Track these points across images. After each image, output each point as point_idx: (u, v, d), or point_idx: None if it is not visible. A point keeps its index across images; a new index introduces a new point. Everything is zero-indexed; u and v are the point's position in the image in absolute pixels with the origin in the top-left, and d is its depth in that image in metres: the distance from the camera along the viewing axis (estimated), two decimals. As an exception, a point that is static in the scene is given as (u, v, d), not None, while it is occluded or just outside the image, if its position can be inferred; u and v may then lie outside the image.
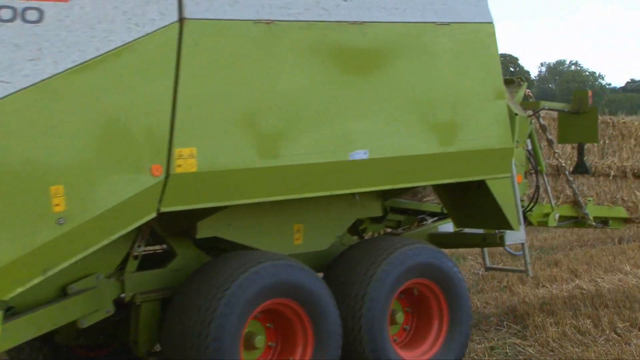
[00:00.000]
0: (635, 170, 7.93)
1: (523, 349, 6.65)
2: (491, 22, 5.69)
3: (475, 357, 6.50)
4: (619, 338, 6.79)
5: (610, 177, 7.81)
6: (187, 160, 4.36)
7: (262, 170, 4.67)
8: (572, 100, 7.10)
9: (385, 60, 5.19)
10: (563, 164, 7.38)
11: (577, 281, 9.11)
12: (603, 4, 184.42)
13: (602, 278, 9.25)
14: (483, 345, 6.77)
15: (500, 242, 6.24)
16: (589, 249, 11.46)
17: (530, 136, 6.82)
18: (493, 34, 5.68)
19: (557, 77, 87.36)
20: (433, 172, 5.48)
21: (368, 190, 5.36)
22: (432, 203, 6.89)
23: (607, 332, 6.97)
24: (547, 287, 8.87)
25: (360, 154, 5.05)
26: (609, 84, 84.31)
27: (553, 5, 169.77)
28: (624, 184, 7.86)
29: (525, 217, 6.85)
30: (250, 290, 4.70)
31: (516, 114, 6.38)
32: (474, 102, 5.58)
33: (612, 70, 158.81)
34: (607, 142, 7.81)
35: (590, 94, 7.00)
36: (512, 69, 77.35)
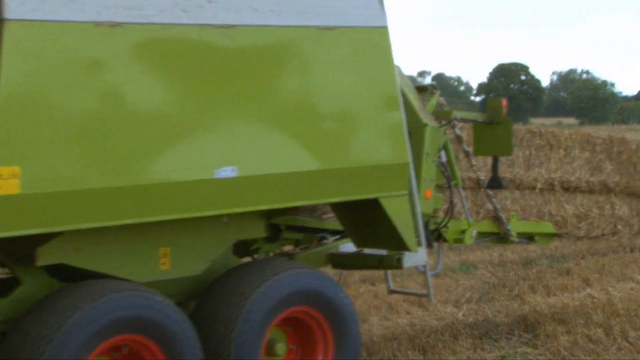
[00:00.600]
0: (565, 183, 7.53)
1: (534, 357, 6.63)
2: (385, 27, 5.23)
3: (486, 365, 6.49)
4: (631, 347, 6.76)
5: (537, 190, 7.38)
6: (7, 181, 3.85)
7: (107, 191, 4.17)
8: (486, 110, 6.65)
9: (258, 68, 4.73)
10: (482, 177, 6.98)
11: (589, 290, 9.05)
12: (614, 12, 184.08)
13: (614, 287, 9.19)
14: (494, 354, 6.76)
15: (398, 264, 5.75)
16: (601, 258, 11.38)
17: (444, 147, 6.40)
18: (387, 39, 5.23)
19: (568, 86, 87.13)
20: (317, 190, 5.00)
21: (238, 211, 4.81)
22: (334, 220, 6.32)
23: (619, 341, 6.94)
24: (558, 296, 8.82)
25: (228, 172, 4.58)
26: (620, 93, 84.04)
27: (563, 14, 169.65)
28: (552, 197, 7.50)
29: (440, 235, 6.59)
30: (90, 328, 4.21)
31: (426, 124, 6.05)
32: (364, 114, 5.14)
33: (624, 78, 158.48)
34: (533, 152, 7.40)
35: (504, 102, 6.58)
36: (523, 77, 77.28)
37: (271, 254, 6.21)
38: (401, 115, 5.31)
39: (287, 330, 5.29)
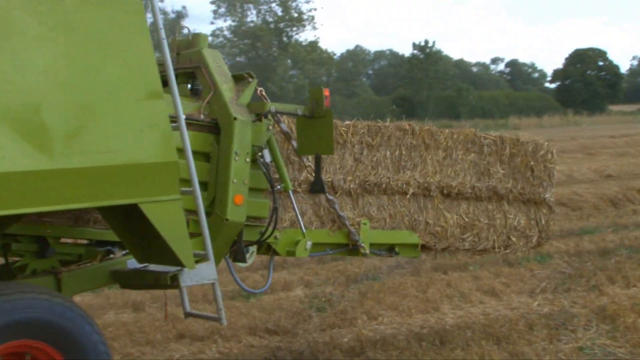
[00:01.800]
0: (444, 189, 6.41)
1: (613, 350, 6.45)
2: None
3: (563, 357, 6.34)
4: None
5: (409, 196, 6.29)
6: None
7: None
8: (308, 101, 5.59)
9: None
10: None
11: (671, 281, 8.78)
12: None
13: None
14: (571, 345, 6.61)
15: (172, 282, 4.79)
16: (683, 248, 11.03)
17: (269, 145, 5.53)
18: (140, 13, 4.36)
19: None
20: (46, 194, 4.01)
21: None
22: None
23: (703, 334, 6.70)
24: (638, 287, 8.58)
25: None
26: None
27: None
28: (430, 204, 6.40)
29: (269, 246, 5.75)
30: None
31: (235, 118, 5.23)
32: (112, 103, 4.24)
33: None
34: (404, 153, 6.27)
35: (327, 92, 5.52)
36: (600, 63, 75.35)
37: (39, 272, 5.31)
38: (163, 105, 4.40)
39: None
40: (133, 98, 4.32)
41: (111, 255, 5.56)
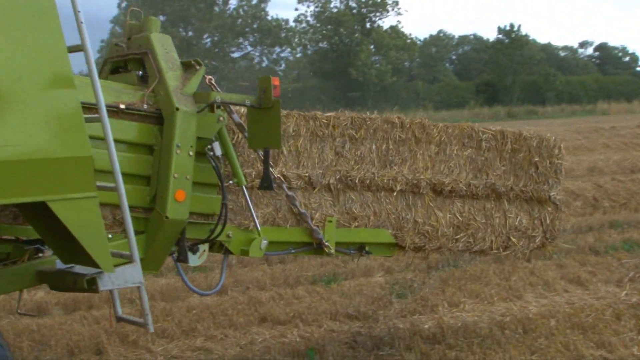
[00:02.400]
0: (436, 186, 6.04)
1: None
2: None
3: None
4: None
5: (396, 193, 5.92)
6: None
7: None
8: (257, 90, 5.17)
9: None
10: (277, 175, 5.56)
11: None
12: None
13: None
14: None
15: (90, 286, 4.42)
16: None
17: (220, 138, 5.18)
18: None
19: None
20: None
21: None
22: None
23: None
24: None
25: None
26: None
27: None
28: (419, 202, 6.02)
29: (222, 245, 5.41)
30: None
31: (177, 108, 4.88)
32: (13, 92, 3.87)
33: None
34: (392, 147, 5.89)
35: (275, 82, 5.10)
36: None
37: None
38: (74, 93, 4.05)
39: None
40: (39, 86, 3.94)
41: (40, 254, 5.13)
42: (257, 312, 7.66)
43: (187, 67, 5.20)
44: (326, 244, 5.74)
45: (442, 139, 6.02)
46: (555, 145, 6.40)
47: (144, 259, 4.76)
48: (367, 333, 6.92)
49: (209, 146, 5.12)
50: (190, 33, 57.92)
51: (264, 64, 60.80)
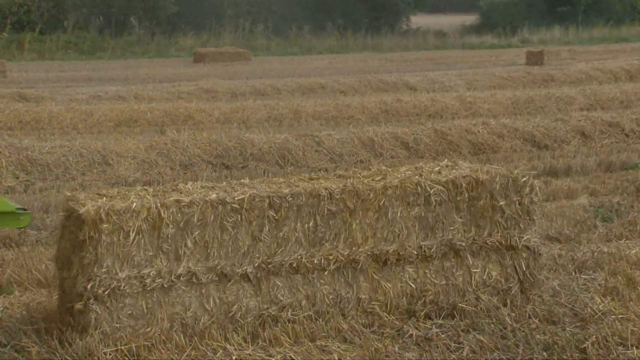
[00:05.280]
0: (379, 256, 5.31)
1: None
2: None
3: None
4: None
5: (330, 271, 5.21)
6: None
7: None
8: None
9: None
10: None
11: None
12: None
13: None
14: None
15: None
16: None
17: None
18: None
19: None
20: None
21: None
22: None
23: None
24: None
25: None
26: None
27: None
28: (362, 276, 5.28)
29: None
30: None
31: None
32: None
33: None
34: (319, 223, 5.20)
35: None
36: None
37: None
38: None
39: None
40: None
41: None
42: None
43: None
44: None
45: (382, 203, 5.29)
46: (526, 184, 5.51)
47: None
48: (568, 255, 6.71)
49: None
50: None
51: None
